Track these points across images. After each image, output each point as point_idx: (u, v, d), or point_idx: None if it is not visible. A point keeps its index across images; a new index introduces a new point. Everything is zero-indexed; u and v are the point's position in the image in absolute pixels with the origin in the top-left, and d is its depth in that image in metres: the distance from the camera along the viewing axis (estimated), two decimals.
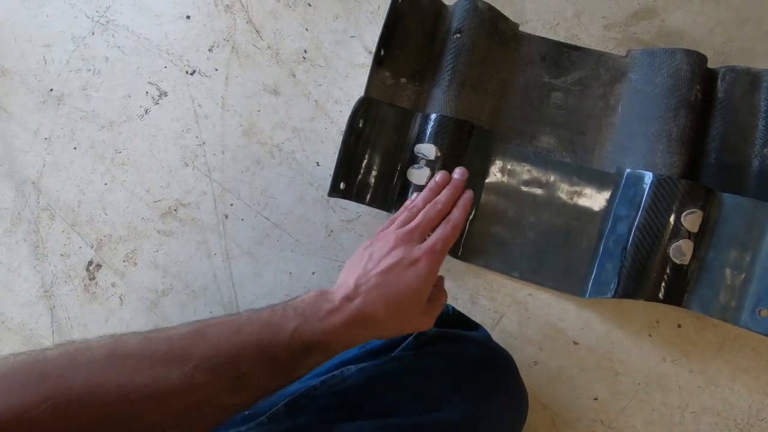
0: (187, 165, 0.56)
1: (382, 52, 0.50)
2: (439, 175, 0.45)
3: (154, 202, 0.56)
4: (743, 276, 0.43)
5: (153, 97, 0.58)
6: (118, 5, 0.60)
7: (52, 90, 0.59)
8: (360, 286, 0.32)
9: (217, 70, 0.58)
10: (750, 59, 0.52)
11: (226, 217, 0.55)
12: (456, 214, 0.40)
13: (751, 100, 0.49)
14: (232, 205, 0.55)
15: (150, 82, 0.58)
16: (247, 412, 0.33)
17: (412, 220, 0.38)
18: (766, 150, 0.47)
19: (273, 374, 0.28)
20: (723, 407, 0.47)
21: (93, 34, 0.60)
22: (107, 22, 0.60)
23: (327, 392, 0.34)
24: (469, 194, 0.43)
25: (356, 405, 0.33)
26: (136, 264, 0.55)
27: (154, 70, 0.58)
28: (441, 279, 0.39)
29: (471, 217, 0.51)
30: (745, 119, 0.48)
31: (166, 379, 0.25)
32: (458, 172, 0.45)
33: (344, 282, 0.33)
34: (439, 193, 0.42)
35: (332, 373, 0.36)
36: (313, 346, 0.30)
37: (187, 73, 0.58)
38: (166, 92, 0.58)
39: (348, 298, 0.32)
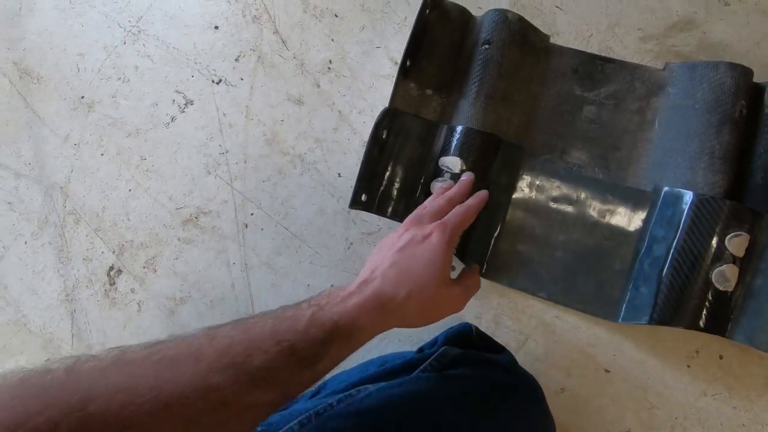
0: (209, 173, 0.56)
1: (408, 63, 0.50)
2: (447, 183, 0.45)
3: (176, 209, 0.56)
4: None
5: (179, 106, 0.58)
6: (149, 15, 0.61)
7: (83, 97, 0.60)
8: (375, 270, 0.32)
9: (242, 79, 0.58)
10: None
11: (246, 226, 0.54)
12: (470, 200, 0.39)
13: None
14: (252, 214, 0.54)
15: (177, 91, 0.59)
16: (259, 429, 0.32)
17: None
18: None
19: (295, 367, 0.26)
20: None
21: (125, 43, 0.61)
22: (139, 32, 0.61)
23: (344, 412, 0.32)
24: (485, 192, 0.43)
25: (372, 428, 0.31)
26: (155, 271, 0.54)
27: (181, 78, 0.59)
28: (475, 267, 0.37)
29: (496, 233, 0.49)
30: None
31: (176, 381, 0.23)
32: (465, 175, 0.44)
33: (360, 274, 0.33)
34: None
35: (349, 392, 0.34)
36: (333, 333, 0.28)
37: (213, 82, 0.58)
38: (192, 101, 0.58)
39: (364, 282, 0.31)
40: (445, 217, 0.35)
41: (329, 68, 0.57)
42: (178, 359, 0.24)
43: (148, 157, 0.58)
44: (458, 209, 0.37)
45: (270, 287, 0.53)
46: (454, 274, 0.48)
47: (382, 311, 0.30)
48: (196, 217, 0.55)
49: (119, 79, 0.60)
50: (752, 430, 0.44)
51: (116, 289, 0.55)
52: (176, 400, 0.23)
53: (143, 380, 0.23)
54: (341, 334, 0.28)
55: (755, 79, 0.47)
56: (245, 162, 0.56)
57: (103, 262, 0.55)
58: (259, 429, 0.31)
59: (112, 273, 0.55)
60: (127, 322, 0.54)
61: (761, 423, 0.44)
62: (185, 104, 0.58)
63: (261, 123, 0.57)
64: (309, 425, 0.31)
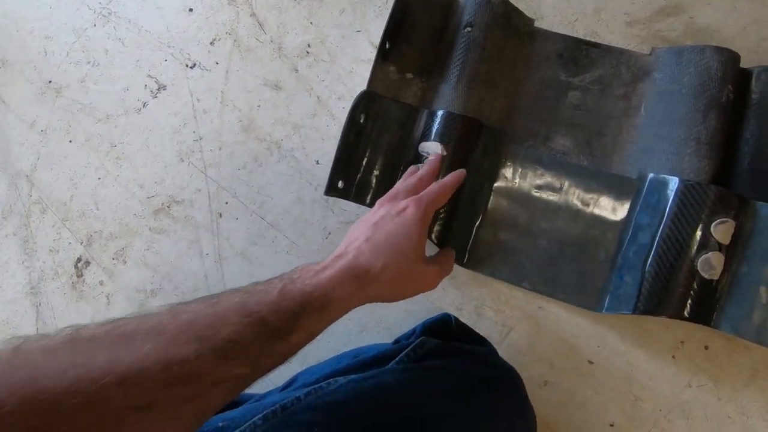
0: (182, 161, 0.54)
1: (388, 46, 0.48)
2: (414, 168, 0.44)
3: (147, 198, 0.53)
4: None
5: (152, 91, 0.56)
6: None
7: (50, 82, 0.58)
8: (350, 245, 0.31)
9: (217, 63, 0.56)
10: None
11: (221, 215, 0.52)
12: (447, 177, 0.39)
13: None
14: (227, 203, 0.52)
15: (149, 75, 0.57)
16: (220, 424, 0.30)
17: None
18: None
19: (266, 339, 0.25)
20: None
21: (95, 26, 0.59)
22: (109, 14, 0.59)
23: (311, 405, 0.31)
24: (462, 170, 0.41)
25: (341, 421, 0.30)
26: (125, 262, 0.52)
27: (153, 63, 0.57)
28: (450, 249, 0.37)
29: (478, 222, 0.48)
30: None
31: (134, 355, 0.22)
32: (433, 155, 0.43)
33: (335, 251, 0.32)
34: None
35: (319, 384, 0.32)
36: (305, 305, 0.27)
37: (187, 66, 0.56)
38: (165, 86, 0.56)
39: (339, 256, 0.30)
40: (422, 193, 0.35)
41: (308, 52, 0.55)
42: (135, 334, 0.23)
43: (119, 144, 0.55)
44: (434, 185, 0.36)
45: (245, 278, 0.51)
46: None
47: (358, 283, 0.29)
48: (168, 206, 0.53)
49: (89, 62, 0.58)
50: (737, 421, 0.43)
51: (84, 281, 0.52)
52: (134, 374, 0.21)
53: (97, 356, 0.21)
54: (314, 306, 0.27)
55: (742, 64, 0.46)
56: (220, 149, 0.54)
57: (71, 254, 0.53)
58: (220, 424, 0.30)
59: (79, 265, 0.53)
60: (96, 316, 0.51)
61: (746, 414, 0.43)
62: (158, 89, 0.56)
63: (237, 109, 0.54)
64: (274, 419, 0.30)
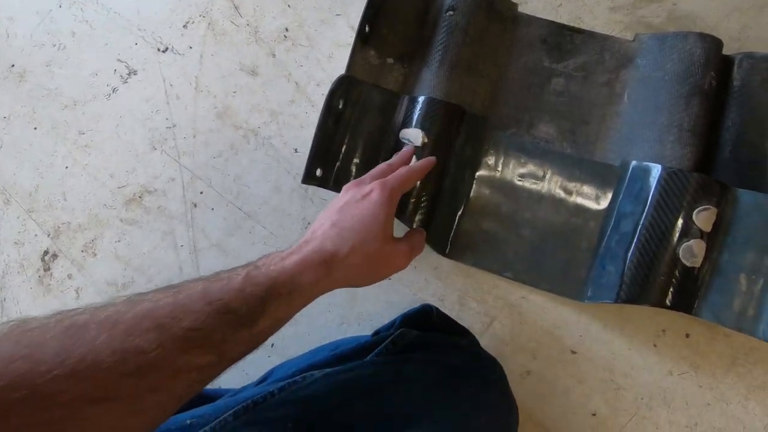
0: (155, 149, 0.52)
1: (368, 29, 0.46)
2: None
3: (118, 188, 0.51)
4: (762, 281, 0.39)
5: (122, 76, 0.54)
6: None
7: (13, 66, 0.55)
8: (316, 231, 0.31)
9: (191, 47, 0.54)
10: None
11: (195, 205, 0.50)
12: (415, 162, 0.38)
13: None
14: (201, 193, 0.51)
15: (119, 60, 0.54)
16: (189, 422, 0.28)
17: None
18: None
19: (230, 327, 0.24)
20: (735, 427, 0.42)
21: (60, 7, 0.56)
22: None
23: (285, 400, 0.29)
24: (432, 157, 0.40)
25: (316, 416, 0.29)
26: (95, 255, 0.50)
27: (123, 46, 0.54)
28: (419, 229, 0.36)
29: (461, 211, 0.47)
30: (763, 109, 0.44)
31: (88, 346, 0.20)
32: (406, 147, 0.43)
33: (301, 239, 0.31)
34: None
35: (294, 379, 0.31)
36: (271, 290, 0.26)
37: (159, 50, 0.54)
38: (135, 70, 0.54)
39: (305, 242, 0.30)
40: (388, 177, 0.34)
41: (285, 36, 0.53)
42: (89, 324, 0.21)
43: (87, 132, 0.53)
44: (401, 170, 0.36)
45: None
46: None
47: (325, 267, 0.29)
48: (140, 197, 0.51)
49: (54, 46, 0.55)
50: (717, 408, 0.43)
51: (51, 275, 0.50)
52: (88, 366, 0.20)
53: (46, 346, 0.20)
54: (281, 292, 0.26)
55: (724, 52, 0.46)
56: (194, 137, 0.52)
57: (37, 246, 0.51)
58: (188, 421, 0.28)
59: (46, 258, 0.50)
60: None
61: (726, 401, 0.43)
62: (128, 74, 0.54)
63: (211, 95, 0.52)
64: (245, 416, 0.28)
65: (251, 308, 0.25)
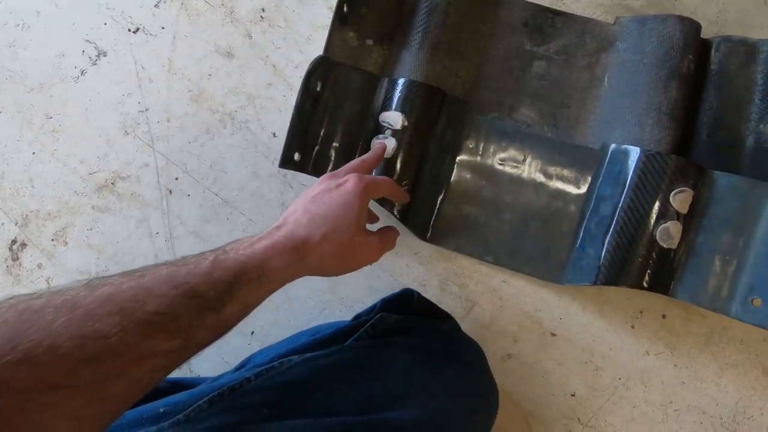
0: (127, 133, 0.50)
1: (346, 9, 0.45)
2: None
3: (89, 174, 0.49)
4: (735, 262, 0.39)
5: (90, 57, 0.51)
6: None
7: None
8: (287, 218, 0.30)
9: (163, 28, 0.52)
10: (745, 30, 0.48)
11: (170, 192, 0.49)
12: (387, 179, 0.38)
13: (746, 72, 0.45)
14: (177, 179, 0.49)
15: (87, 40, 0.52)
16: (161, 410, 0.28)
17: None
18: (761, 126, 0.43)
19: (197, 312, 0.23)
20: (708, 404, 0.43)
21: None
22: None
23: (262, 386, 0.29)
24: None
25: (294, 402, 0.28)
26: (66, 243, 0.48)
27: (92, 26, 0.52)
28: (391, 226, 0.36)
29: (441, 196, 0.46)
30: (740, 93, 0.44)
31: (43, 331, 0.19)
32: (378, 143, 0.42)
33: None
34: None
35: (272, 364, 0.31)
36: (240, 275, 0.25)
37: (129, 31, 0.52)
38: (105, 52, 0.51)
39: (276, 228, 0.29)
40: (365, 175, 0.34)
41: (262, 17, 0.51)
42: (45, 308, 0.20)
43: (55, 116, 0.51)
44: (380, 177, 0.36)
45: None
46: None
47: (296, 253, 0.28)
48: (112, 183, 0.49)
49: (18, 25, 0.52)
50: (691, 386, 0.44)
51: (20, 264, 0.48)
52: (44, 351, 0.19)
53: None
54: (250, 276, 0.26)
55: (703, 35, 0.46)
56: (168, 121, 0.50)
57: (4, 235, 0.49)
58: (161, 410, 0.28)
59: (14, 247, 0.49)
60: None
61: (700, 379, 0.44)
62: (97, 56, 0.51)
63: (185, 77, 0.51)
64: (220, 403, 0.28)
65: (219, 293, 0.24)
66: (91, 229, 0.49)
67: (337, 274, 0.31)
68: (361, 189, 0.32)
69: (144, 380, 0.22)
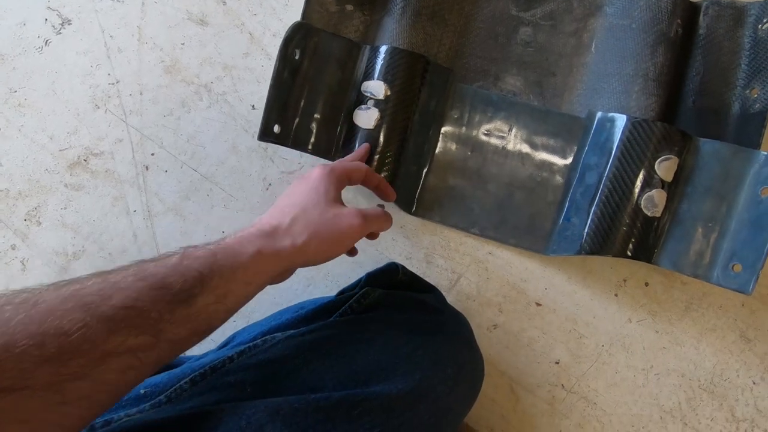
0: (98, 107, 0.48)
1: None
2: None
3: (60, 150, 0.47)
4: (718, 229, 0.40)
5: (54, 26, 0.48)
6: None
7: None
8: (261, 217, 0.30)
9: None
10: None
11: (147, 168, 0.47)
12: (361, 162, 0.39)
13: (734, 37, 0.44)
14: (153, 154, 0.47)
15: (49, 8, 0.49)
16: (142, 391, 0.27)
17: None
18: (748, 92, 0.42)
19: (166, 304, 0.22)
20: (687, 368, 0.45)
21: None
22: None
23: (244, 364, 0.28)
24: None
25: (277, 379, 0.28)
26: (39, 223, 0.47)
27: None
28: (381, 209, 0.35)
29: (426, 168, 0.46)
30: (727, 58, 0.44)
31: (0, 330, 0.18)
32: (362, 146, 0.42)
33: None
34: None
35: (254, 342, 0.30)
36: (211, 264, 0.24)
37: None
38: (69, 20, 0.48)
39: (248, 227, 0.29)
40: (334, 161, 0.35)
41: None
42: (4, 306, 0.19)
43: (19, 89, 0.48)
44: (346, 161, 0.36)
45: (179, 236, 0.47)
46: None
47: (268, 238, 0.27)
48: (85, 160, 0.47)
49: None
50: (671, 351, 0.45)
51: None
52: (0, 351, 0.18)
53: None
54: (221, 264, 0.25)
55: None
56: (141, 93, 0.48)
57: None
58: (142, 391, 0.27)
59: None
60: (10, 283, 0.46)
61: (680, 344, 0.45)
62: (61, 24, 0.48)
63: (157, 47, 0.48)
64: (202, 382, 0.27)
65: (188, 283, 0.23)
66: (65, 208, 0.47)
67: (324, 258, 0.30)
68: (326, 173, 0.32)
69: (111, 381, 0.20)
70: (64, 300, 0.20)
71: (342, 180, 0.33)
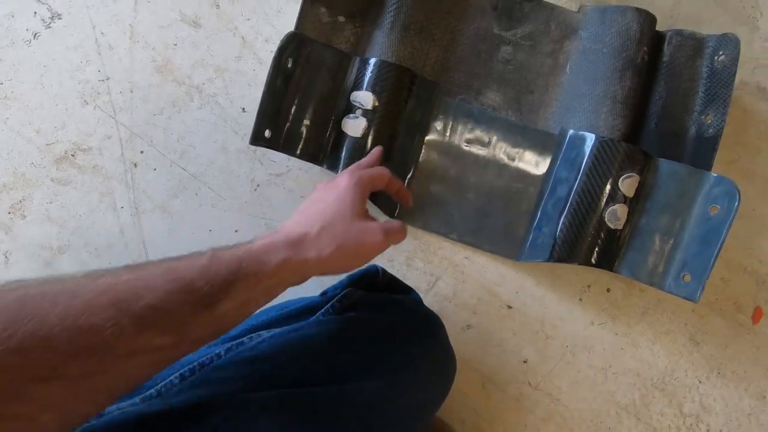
0: (87, 103, 0.48)
1: None
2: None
3: (47, 145, 0.48)
4: (671, 242, 0.44)
5: (43, 19, 0.48)
6: None
7: None
8: (285, 223, 0.31)
9: None
10: (696, 24, 0.51)
11: (135, 165, 0.48)
12: (386, 170, 0.39)
13: (693, 66, 0.48)
14: (142, 152, 0.48)
15: (39, 1, 0.49)
16: None
17: None
18: (703, 117, 0.46)
19: (191, 307, 0.23)
20: (642, 367, 0.49)
21: None
22: None
23: (231, 361, 0.30)
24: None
25: (263, 375, 0.30)
26: (24, 216, 0.47)
27: None
28: (399, 222, 0.36)
29: (410, 175, 0.48)
30: (686, 85, 0.48)
31: (39, 321, 0.19)
32: (375, 149, 0.43)
33: None
34: None
35: (240, 340, 0.32)
36: (237, 272, 0.25)
37: None
38: (60, 14, 0.49)
39: (275, 231, 0.30)
40: (355, 165, 0.36)
41: None
42: (43, 297, 0.20)
43: (6, 82, 0.48)
44: (371, 169, 0.36)
45: (166, 233, 0.48)
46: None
47: (293, 248, 0.28)
48: (72, 155, 0.48)
49: None
50: (629, 352, 0.49)
51: None
52: (38, 341, 0.19)
53: None
54: (247, 272, 0.25)
55: (657, 27, 0.49)
56: (131, 91, 0.48)
57: None
58: None
59: None
60: None
61: (637, 345, 0.49)
62: (51, 18, 0.49)
63: (149, 46, 0.49)
64: (191, 377, 0.29)
65: (214, 288, 0.24)
66: (51, 202, 0.47)
67: (344, 270, 0.31)
68: (353, 182, 0.33)
69: (133, 375, 0.22)
70: (98, 294, 0.21)
71: (368, 190, 0.34)
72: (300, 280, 0.29)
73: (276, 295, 0.28)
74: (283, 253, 0.27)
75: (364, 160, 0.40)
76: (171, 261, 0.24)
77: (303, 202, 0.33)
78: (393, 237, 0.33)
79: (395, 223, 0.34)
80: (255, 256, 0.26)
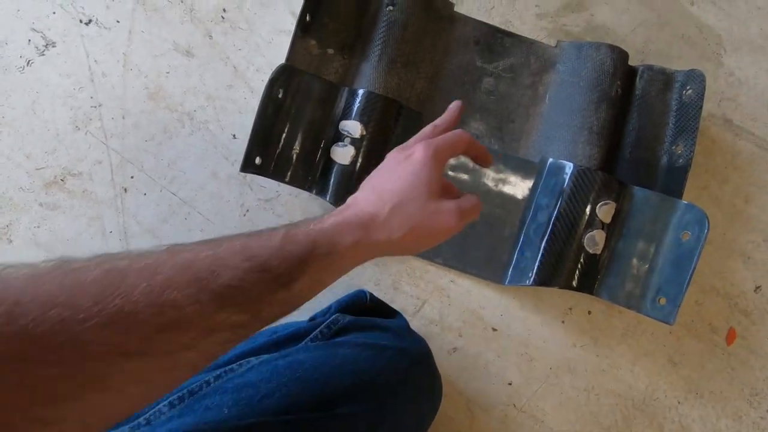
0: (78, 129, 0.49)
1: (308, 18, 0.46)
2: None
3: (36, 169, 0.48)
4: (647, 266, 0.45)
5: (37, 47, 0.49)
6: None
7: None
8: (356, 196, 0.30)
9: (118, 22, 0.50)
10: (666, 60, 0.55)
11: (125, 190, 0.48)
12: (464, 132, 0.35)
13: (664, 99, 0.51)
14: (132, 177, 0.49)
15: (34, 29, 0.50)
16: None
17: None
18: (674, 147, 0.49)
19: (267, 285, 0.23)
20: (623, 389, 0.50)
21: None
22: None
23: (221, 388, 0.30)
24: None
25: (254, 402, 0.30)
26: (11, 241, 0.47)
27: (38, 15, 0.50)
28: (474, 194, 0.34)
29: None
30: (658, 117, 0.50)
31: (126, 295, 0.19)
32: (454, 104, 0.38)
33: None
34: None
35: (230, 366, 0.32)
36: (310, 251, 0.25)
37: (81, 22, 0.50)
38: (54, 42, 0.50)
39: (346, 207, 0.29)
40: (432, 138, 0.32)
41: (223, 18, 0.52)
42: (129, 271, 0.20)
43: None
44: (448, 134, 0.33)
45: None
46: None
47: (364, 229, 0.27)
48: (62, 179, 0.48)
49: None
50: (609, 373, 0.50)
51: None
52: (125, 317, 0.19)
53: (86, 291, 0.19)
54: (320, 252, 0.25)
55: (630, 62, 0.52)
56: (123, 118, 0.49)
57: None
58: None
59: None
60: None
61: (617, 367, 0.50)
62: (45, 46, 0.50)
63: (142, 74, 0.50)
64: (180, 405, 0.29)
65: (290, 268, 0.24)
66: (38, 227, 0.47)
67: (414, 251, 0.30)
68: (429, 156, 0.30)
69: (211, 352, 0.22)
70: (179, 271, 0.21)
71: (445, 161, 0.31)
72: (370, 258, 0.29)
73: (346, 272, 0.28)
74: (355, 234, 0.27)
75: (442, 120, 0.35)
76: (246, 238, 0.24)
77: (375, 171, 0.31)
78: (469, 217, 0.31)
79: (471, 200, 0.32)
80: (328, 237, 0.26)
